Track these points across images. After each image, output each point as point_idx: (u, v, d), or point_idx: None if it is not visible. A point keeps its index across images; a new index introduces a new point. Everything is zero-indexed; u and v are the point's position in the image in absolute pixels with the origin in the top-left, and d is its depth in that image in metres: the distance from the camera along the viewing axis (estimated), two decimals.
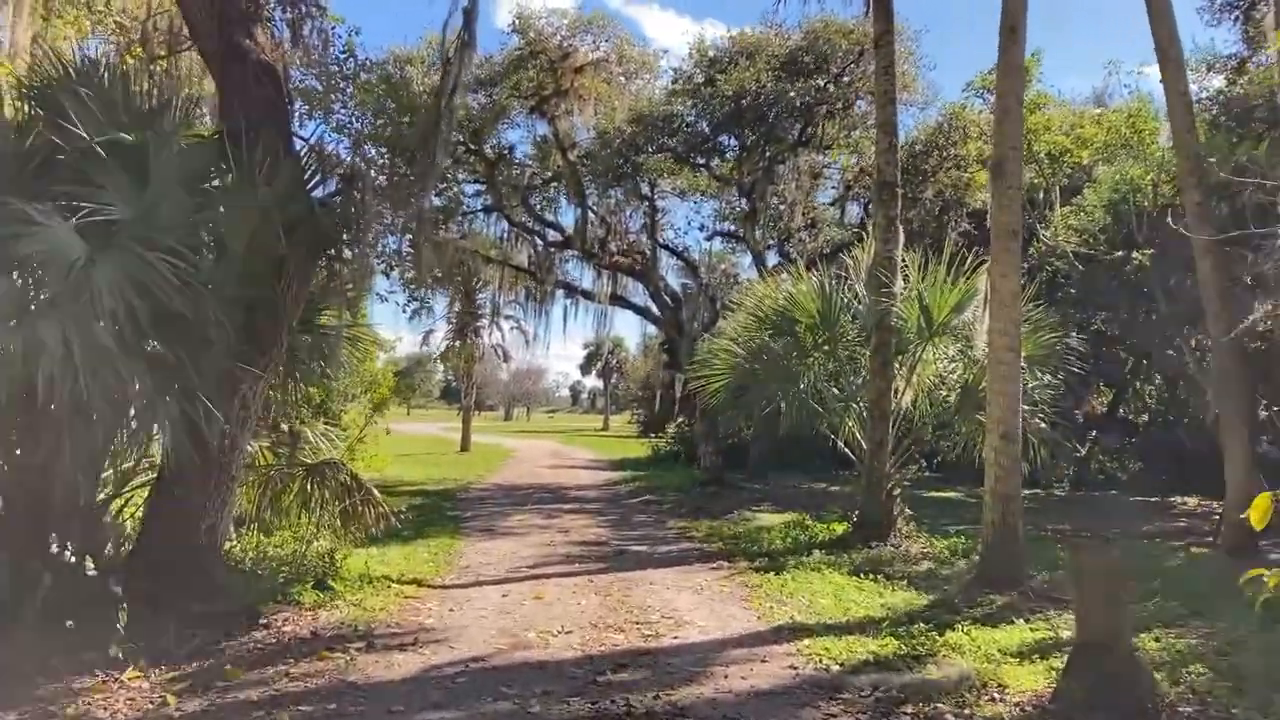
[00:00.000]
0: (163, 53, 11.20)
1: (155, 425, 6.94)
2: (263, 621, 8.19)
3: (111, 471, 8.44)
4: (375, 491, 10.50)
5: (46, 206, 6.58)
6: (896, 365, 13.89)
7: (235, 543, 9.97)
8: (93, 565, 6.38)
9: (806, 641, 7.90)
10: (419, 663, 7.22)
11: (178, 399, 6.94)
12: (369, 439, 19.66)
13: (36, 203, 7.21)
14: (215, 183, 8.23)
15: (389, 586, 9.94)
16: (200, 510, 8.32)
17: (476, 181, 27.43)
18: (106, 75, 8.17)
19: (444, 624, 8.51)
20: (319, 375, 10.23)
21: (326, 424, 12.50)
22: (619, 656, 7.49)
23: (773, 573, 11.02)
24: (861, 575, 10.74)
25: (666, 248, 29.56)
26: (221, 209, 7.78)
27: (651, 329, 39.87)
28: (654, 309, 28.91)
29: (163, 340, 6.88)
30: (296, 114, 10.00)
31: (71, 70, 8.07)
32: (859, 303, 14.84)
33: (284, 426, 10.79)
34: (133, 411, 6.77)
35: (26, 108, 8.18)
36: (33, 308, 6.51)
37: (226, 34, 8.67)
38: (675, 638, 8.15)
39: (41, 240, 6.30)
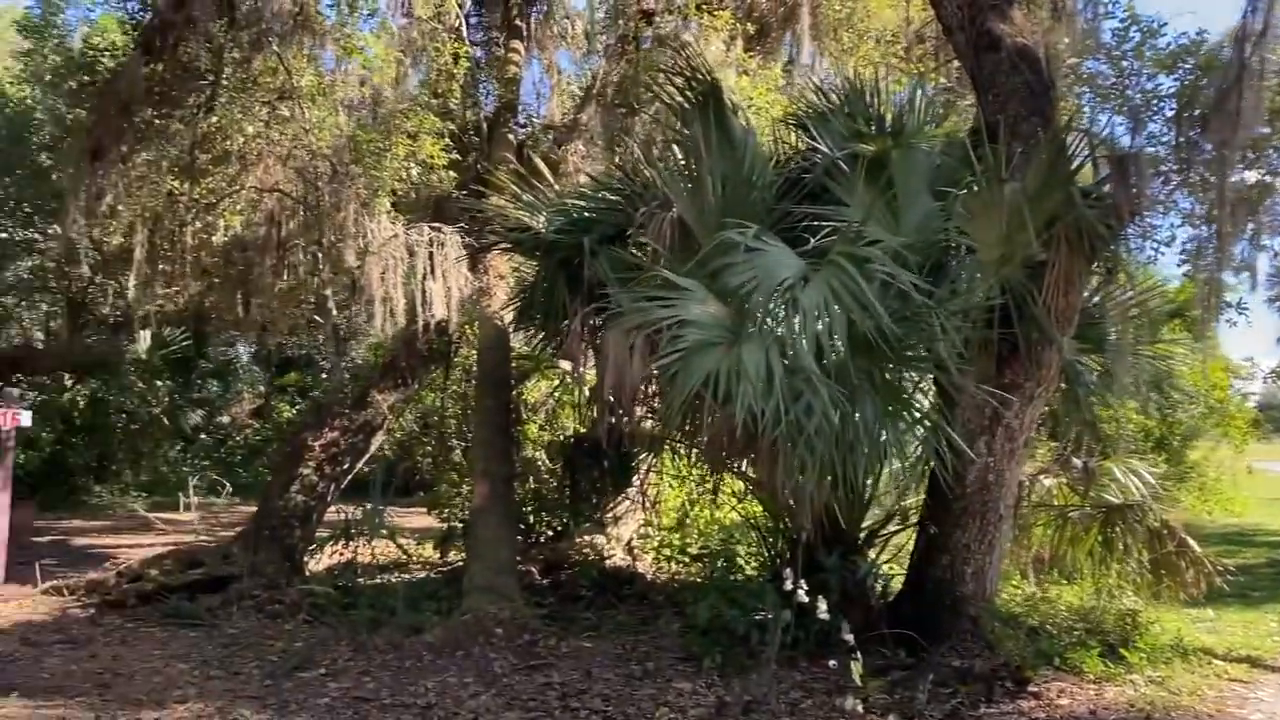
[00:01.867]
0: (918, 64, 10.79)
1: (888, 457, 6.24)
2: (1032, 689, 6.95)
3: (876, 509, 8.05)
4: (1192, 543, 8.60)
5: (763, 231, 6.39)
6: None
7: (1021, 591, 8.89)
8: (824, 607, 5.93)
9: None
10: None
11: (910, 427, 6.21)
12: (1223, 478, 16.90)
13: (774, 227, 7.18)
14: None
15: (1208, 663, 7.94)
16: (962, 552, 7.47)
17: None
18: (849, 91, 7.92)
19: None
20: (1113, 402, 8.70)
21: (1143, 458, 10.72)
22: None
23: None
24: None
25: None
26: (962, 209, 6.88)
27: None
28: None
29: (877, 361, 6.18)
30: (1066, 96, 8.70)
31: (823, 92, 7.97)
32: None
33: (1077, 461, 9.45)
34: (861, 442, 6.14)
35: (785, 135, 8.32)
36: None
37: (978, 22, 7.84)
38: None
39: (752, 267, 6.09)
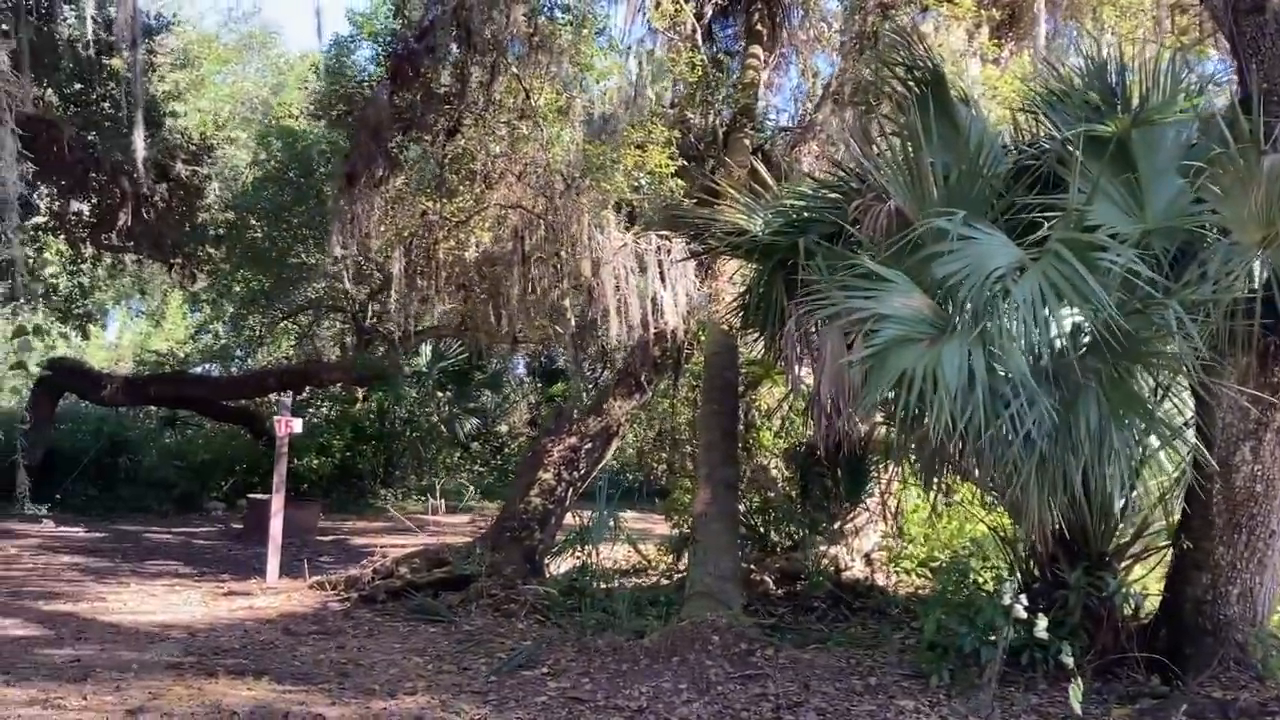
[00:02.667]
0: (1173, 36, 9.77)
1: (1120, 465, 5.64)
2: None
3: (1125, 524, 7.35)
4: None
5: (974, 217, 5.95)
6: None
7: None
8: (1042, 625, 5.44)
9: None
10: None
11: (1144, 434, 5.60)
12: None
13: (1003, 217, 6.70)
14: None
15: None
16: (1225, 570, 6.69)
17: None
18: (1087, 68, 7.29)
19: None
20: None
21: None
22: None
23: None
24: None
25: None
26: (1213, 187, 6.18)
27: None
28: None
29: (1105, 360, 5.60)
30: None
31: (1055, 70, 7.38)
32: None
33: None
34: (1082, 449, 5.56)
35: (1024, 122, 7.77)
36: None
37: None
38: None
39: (963, 257, 5.67)
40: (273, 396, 19.47)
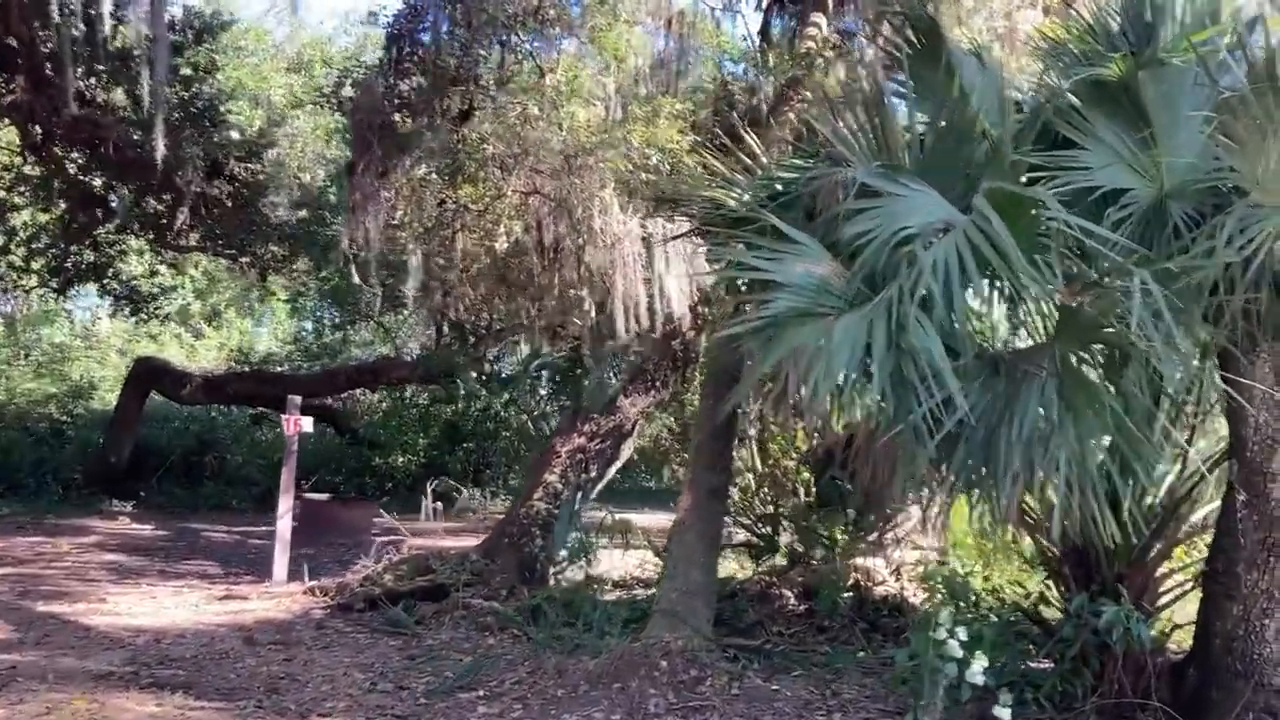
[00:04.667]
0: None
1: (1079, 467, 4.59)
2: None
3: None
4: None
5: (903, 171, 4.97)
6: None
7: None
8: (978, 668, 4.46)
9: None
10: None
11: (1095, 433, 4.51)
12: None
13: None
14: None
15: None
16: (1260, 600, 5.49)
17: None
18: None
19: None
20: None
21: None
22: None
23: None
24: None
25: None
26: (1224, 137, 5.05)
27: None
28: None
29: (1062, 343, 4.56)
30: None
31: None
32: None
33: None
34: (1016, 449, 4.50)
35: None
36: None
37: None
38: None
39: (875, 216, 4.71)
40: (352, 392, 19.52)
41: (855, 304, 4.64)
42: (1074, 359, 4.64)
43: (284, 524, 10.20)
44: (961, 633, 4.60)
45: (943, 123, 5.91)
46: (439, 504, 14.04)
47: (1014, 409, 4.41)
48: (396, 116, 10.20)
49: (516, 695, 6.49)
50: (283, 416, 10.69)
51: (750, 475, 9.51)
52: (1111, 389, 4.54)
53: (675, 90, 11.44)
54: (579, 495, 9.77)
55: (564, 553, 9.37)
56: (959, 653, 4.56)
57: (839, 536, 9.16)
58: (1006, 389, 4.50)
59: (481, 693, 6.60)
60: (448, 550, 10.48)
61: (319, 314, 20.58)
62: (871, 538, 9.39)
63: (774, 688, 6.45)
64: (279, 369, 22.30)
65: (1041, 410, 4.37)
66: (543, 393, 23.54)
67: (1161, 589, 6.50)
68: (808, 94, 12.22)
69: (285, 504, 10.22)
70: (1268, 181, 4.93)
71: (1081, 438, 4.41)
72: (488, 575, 8.80)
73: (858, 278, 4.66)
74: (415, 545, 12.87)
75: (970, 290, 4.52)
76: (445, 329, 18.44)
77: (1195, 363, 4.91)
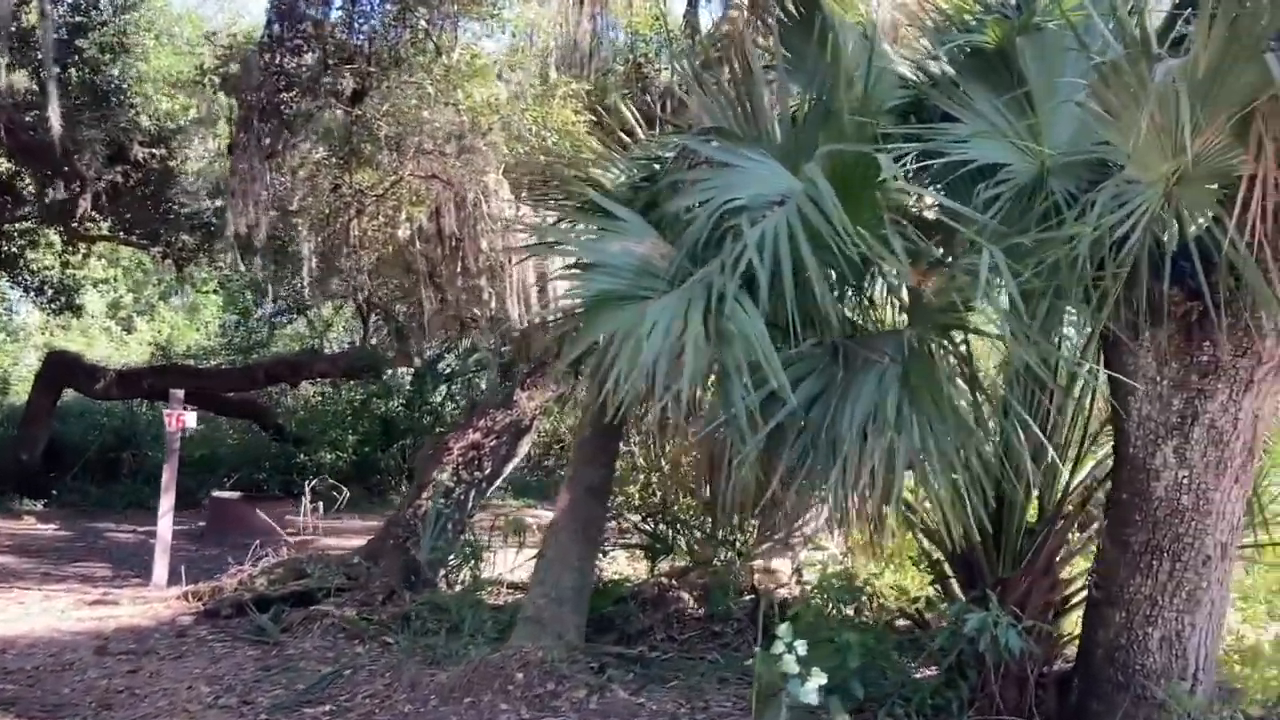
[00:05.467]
0: None
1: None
2: None
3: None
4: None
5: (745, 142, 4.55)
6: None
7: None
8: (815, 686, 4.06)
9: None
10: None
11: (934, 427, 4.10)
12: None
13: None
14: None
15: None
16: (1143, 606, 5.14)
17: None
18: None
19: None
20: None
21: None
22: None
23: None
24: None
25: None
26: (1098, 107, 4.66)
27: None
28: None
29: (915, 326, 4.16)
30: None
31: None
32: None
33: None
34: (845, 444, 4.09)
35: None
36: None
37: None
38: None
39: (707, 189, 4.29)
40: (287, 387, 18.90)
41: (677, 285, 4.22)
42: (928, 346, 4.23)
43: (165, 524, 9.69)
44: (801, 647, 4.20)
45: (811, 96, 5.52)
46: (320, 504, 13.50)
47: (849, 399, 4.01)
48: (285, 95, 9.68)
49: (364, 711, 6.03)
50: (164, 411, 10.14)
51: (643, 473, 9.07)
52: (964, 379, 4.15)
53: (590, 73, 11.02)
54: (473, 494, 9.30)
55: (452, 555, 8.86)
56: (795, 668, 4.16)
57: (741, 536, 8.76)
58: (844, 378, 4.09)
59: (329, 708, 6.13)
60: (328, 551, 10.02)
61: (244, 307, 19.93)
62: (778, 536, 8.99)
63: (639, 700, 6.03)
64: (210, 363, 21.69)
65: (880, 401, 3.95)
66: (483, 387, 22.98)
67: (1060, 597, 6.17)
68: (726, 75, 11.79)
69: (166, 503, 9.72)
70: (1140, 155, 4.55)
71: (928, 433, 4.00)
72: (368, 579, 8.32)
73: (681, 256, 4.24)
74: (327, 546, 12.42)
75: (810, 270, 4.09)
76: (372, 322, 17.92)
77: (1065, 352, 4.51)
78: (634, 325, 3.93)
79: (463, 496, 9.17)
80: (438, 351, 21.04)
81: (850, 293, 4.72)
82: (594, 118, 9.16)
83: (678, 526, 8.91)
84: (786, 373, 3.96)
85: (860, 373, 4.10)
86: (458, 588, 8.99)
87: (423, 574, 8.70)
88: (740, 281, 3.89)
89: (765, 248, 3.90)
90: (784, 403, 3.99)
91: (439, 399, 21.95)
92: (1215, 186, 4.80)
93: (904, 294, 4.44)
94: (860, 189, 4.09)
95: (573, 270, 4.88)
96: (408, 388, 20.26)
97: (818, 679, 4.11)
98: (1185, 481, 5.03)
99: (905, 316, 4.55)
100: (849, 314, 4.72)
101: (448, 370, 22.04)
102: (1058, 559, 5.98)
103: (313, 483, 13.18)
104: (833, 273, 4.32)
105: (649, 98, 11.53)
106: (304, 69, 9.64)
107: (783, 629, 4.30)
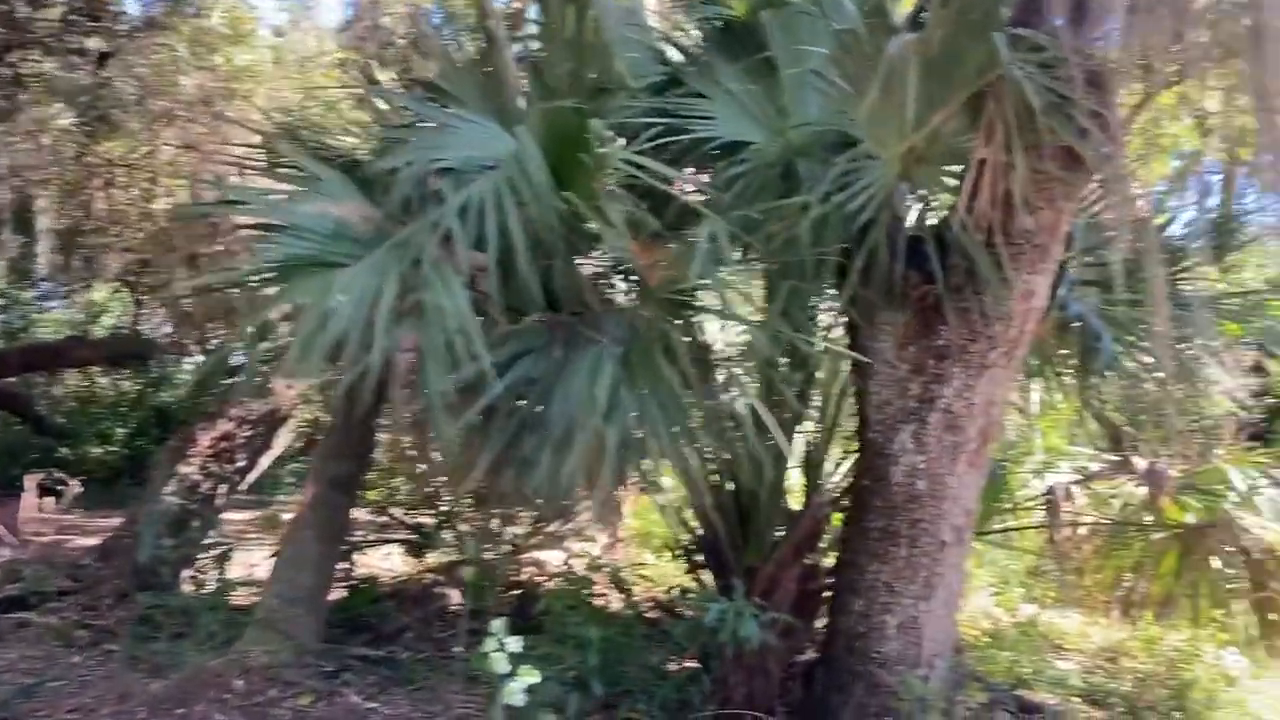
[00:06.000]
0: None
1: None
2: None
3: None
4: None
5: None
6: None
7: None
8: (525, 685, 3.82)
9: None
10: None
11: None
12: None
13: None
14: None
15: None
16: (881, 592, 5.10)
17: None
18: None
19: None
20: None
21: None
22: None
23: None
24: None
25: None
26: (839, 83, 4.56)
27: None
28: None
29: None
30: None
31: None
32: None
33: (1140, 461, 6.74)
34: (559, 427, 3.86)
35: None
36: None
37: None
38: None
39: (415, 149, 3.98)
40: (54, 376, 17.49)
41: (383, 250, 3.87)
42: (654, 325, 4.01)
43: None
44: (514, 643, 3.92)
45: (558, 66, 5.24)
46: (47, 498, 12.49)
47: (563, 381, 3.75)
48: (17, 54, 8.80)
49: None
50: None
51: (406, 465, 8.66)
52: (682, 360, 3.94)
53: (375, 43, 10.49)
54: (224, 489, 8.64)
55: (199, 555, 8.19)
56: (505, 667, 3.88)
57: (511, 529, 8.45)
58: (563, 359, 3.84)
59: None
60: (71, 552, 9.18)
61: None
62: (550, 528, 8.74)
63: (370, 705, 5.63)
64: None
65: (592, 384, 3.71)
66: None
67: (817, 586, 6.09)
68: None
69: None
70: (875, 131, 4.47)
71: (650, 417, 3.78)
72: (96, 581, 7.59)
73: (381, 220, 3.89)
74: (82, 546, 11.40)
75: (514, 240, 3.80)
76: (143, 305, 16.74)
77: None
78: (321, 295, 3.56)
79: (212, 491, 8.50)
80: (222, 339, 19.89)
81: (581, 268, 4.47)
82: (359, 88, 8.68)
83: (446, 520, 8.50)
84: (500, 351, 3.68)
85: (579, 353, 3.86)
86: (206, 589, 8.34)
87: (162, 576, 8.00)
88: (442, 250, 3.58)
89: (470, 214, 3.59)
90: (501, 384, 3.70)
91: (223, 389, 20.71)
92: (952, 168, 4.78)
93: (630, 271, 4.22)
94: (572, 152, 3.84)
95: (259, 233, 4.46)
96: (188, 377, 19.00)
97: (526, 679, 3.84)
98: (922, 467, 5.01)
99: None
100: (582, 291, 4.47)
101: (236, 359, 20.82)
102: (814, 547, 5.90)
103: (40, 477, 12.06)
104: (561, 245, 4.05)
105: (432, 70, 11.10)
106: (42, 24, 8.79)
107: (496, 624, 4.01)
